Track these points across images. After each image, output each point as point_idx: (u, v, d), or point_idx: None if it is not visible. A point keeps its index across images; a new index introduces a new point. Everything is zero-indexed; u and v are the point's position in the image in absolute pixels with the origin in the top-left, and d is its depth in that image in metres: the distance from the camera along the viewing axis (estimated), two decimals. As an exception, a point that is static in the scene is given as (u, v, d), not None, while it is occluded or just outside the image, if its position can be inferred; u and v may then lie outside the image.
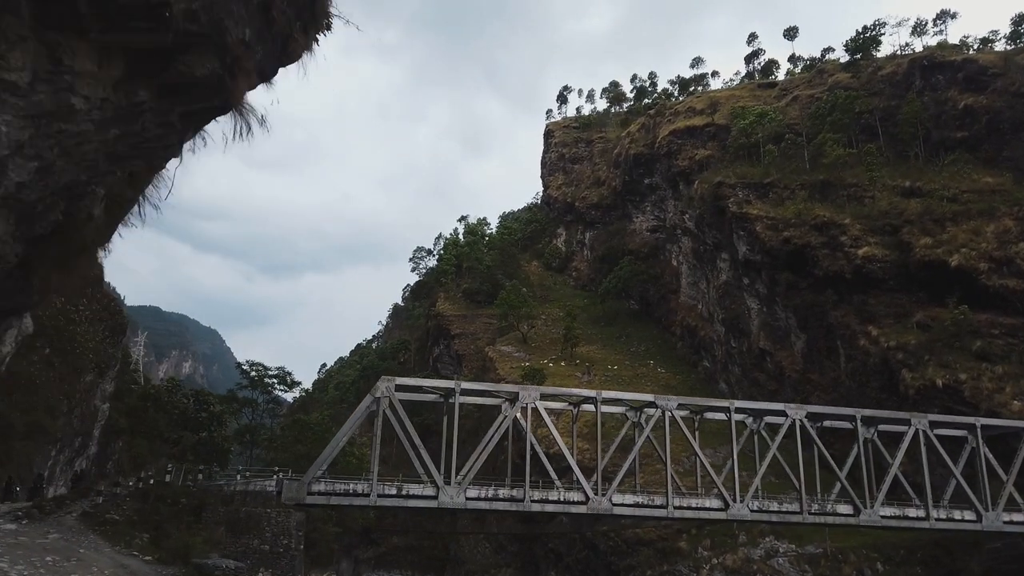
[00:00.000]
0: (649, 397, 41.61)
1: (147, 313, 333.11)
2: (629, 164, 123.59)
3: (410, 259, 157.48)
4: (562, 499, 36.31)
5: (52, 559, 19.45)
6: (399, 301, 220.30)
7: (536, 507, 35.62)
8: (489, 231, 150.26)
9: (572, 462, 37.40)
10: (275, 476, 34.52)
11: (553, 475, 36.57)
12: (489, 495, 35.82)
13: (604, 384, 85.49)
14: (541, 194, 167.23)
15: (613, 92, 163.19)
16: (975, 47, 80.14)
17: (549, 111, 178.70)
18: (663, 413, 39.27)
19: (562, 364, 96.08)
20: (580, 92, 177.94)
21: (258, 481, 33.61)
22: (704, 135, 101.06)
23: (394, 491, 33.92)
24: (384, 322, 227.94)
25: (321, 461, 33.15)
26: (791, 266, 70.15)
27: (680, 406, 41.14)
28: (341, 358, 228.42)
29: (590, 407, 40.52)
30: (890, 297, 60.30)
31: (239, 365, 61.21)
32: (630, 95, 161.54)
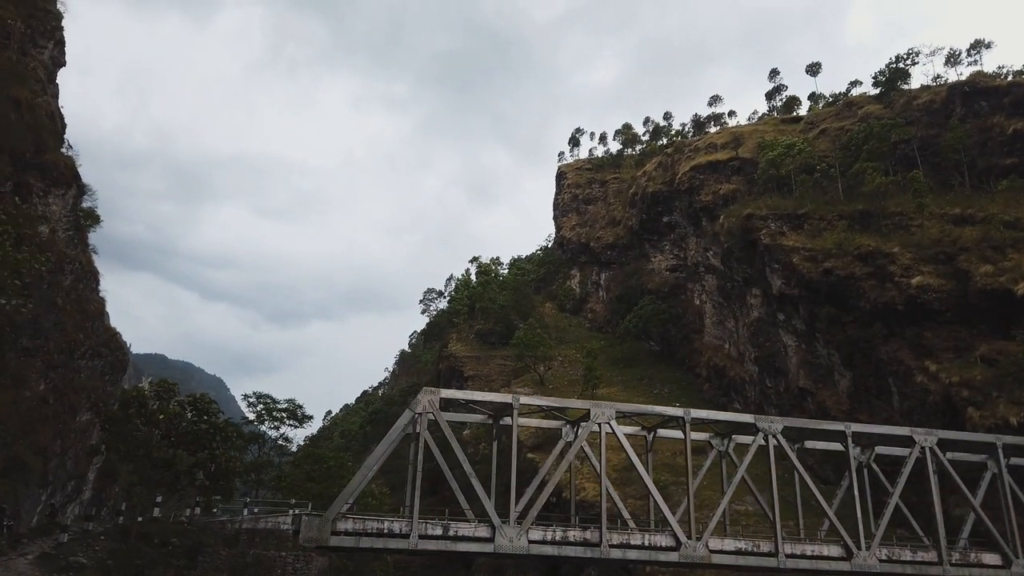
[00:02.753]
0: (748, 418, 36.16)
1: (153, 361, 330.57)
2: (647, 202, 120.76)
3: (420, 301, 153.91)
4: (647, 544, 30.90)
5: None
6: (406, 347, 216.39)
7: (616, 554, 30.26)
8: (502, 272, 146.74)
9: (658, 498, 32.13)
10: (291, 512, 29.03)
11: (626, 514, 31.70)
12: (557, 538, 30.20)
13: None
14: (553, 236, 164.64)
15: (626, 134, 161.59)
16: (1012, 76, 77.55)
17: (561, 153, 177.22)
18: (765, 438, 34.02)
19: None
20: (592, 135, 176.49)
21: (269, 518, 28.15)
22: (728, 169, 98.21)
23: (439, 531, 28.84)
24: (391, 369, 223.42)
25: (348, 494, 28.13)
26: (832, 299, 66.03)
27: (786, 429, 35.35)
28: (347, 405, 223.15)
29: (669, 433, 35.53)
30: (948, 330, 56.00)
31: (245, 396, 56.48)
32: (643, 137, 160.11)
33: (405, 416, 29.60)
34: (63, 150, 67.79)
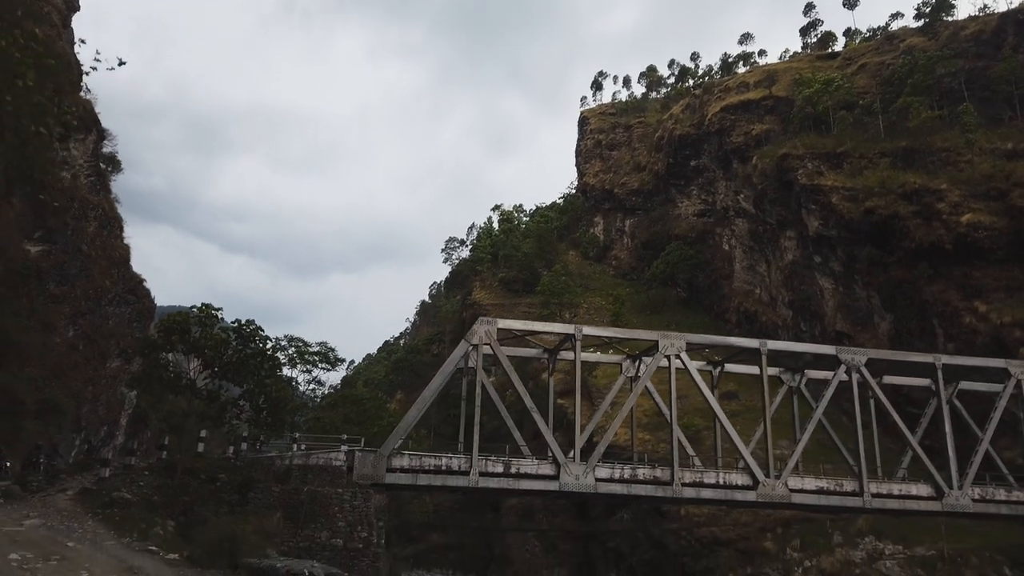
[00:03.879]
0: (829, 349, 34.18)
1: (170, 313, 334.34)
2: (673, 146, 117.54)
3: (442, 250, 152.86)
4: (723, 483, 29.38)
5: (20, 557, 12.97)
6: (426, 298, 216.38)
7: (689, 492, 28.85)
8: (524, 220, 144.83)
9: (732, 432, 30.69)
10: (342, 448, 27.44)
11: (691, 450, 30.47)
12: (626, 475, 28.69)
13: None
14: (576, 183, 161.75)
15: (651, 77, 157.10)
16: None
17: (583, 98, 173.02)
18: (848, 372, 32.04)
19: (610, 352, 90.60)
20: (615, 79, 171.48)
21: (320, 454, 26.39)
22: (761, 109, 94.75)
23: (500, 468, 27.56)
24: (411, 319, 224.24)
25: (403, 429, 27.10)
26: (874, 240, 63.72)
27: (870, 361, 33.37)
28: (369, 355, 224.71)
29: (737, 368, 33.75)
30: (999, 269, 53.76)
31: (276, 340, 55.28)
32: (668, 80, 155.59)
33: (460, 348, 28.30)
34: (81, 94, 66.26)
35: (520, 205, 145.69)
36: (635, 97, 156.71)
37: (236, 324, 25.12)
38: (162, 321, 23.27)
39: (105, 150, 68.50)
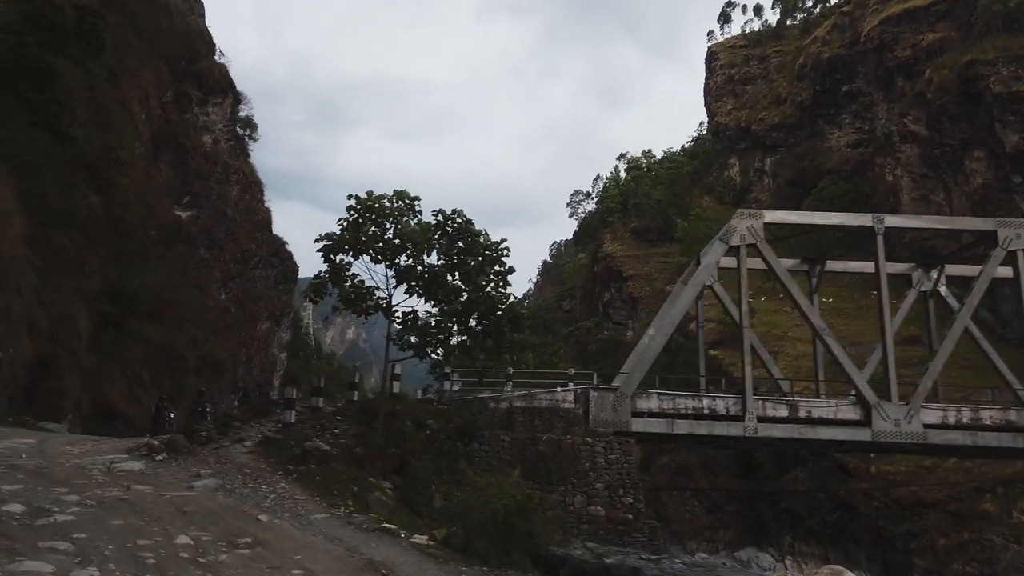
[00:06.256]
0: (987, 223, 27.58)
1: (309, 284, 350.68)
2: (820, 72, 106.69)
3: (567, 204, 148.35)
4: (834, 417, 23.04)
5: (191, 540, 8.35)
6: (547, 258, 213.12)
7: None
8: (654, 166, 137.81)
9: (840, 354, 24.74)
10: (570, 385, 22.55)
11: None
12: (963, 420, 22.52)
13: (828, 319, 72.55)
14: (706, 125, 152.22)
15: (787, 1, 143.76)
16: None
17: (710, 32, 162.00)
18: (1012, 258, 24.91)
19: (762, 299, 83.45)
20: (744, 8, 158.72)
21: (544, 394, 21.60)
22: (931, 15, 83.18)
23: (784, 411, 22.44)
24: (534, 280, 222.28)
25: (646, 360, 22.71)
26: (1096, 150, 53.59)
27: None
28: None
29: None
30: None
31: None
32: (806, 3, 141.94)
33: (714, 252, 23.22)
34: (215, 58, 66.41)
35: (649, 150, 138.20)
36: (769, 25, 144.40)
37: (438, 215, 19.01)
38: (358, 201, 18.23)
39: (241, 114, 68.75)
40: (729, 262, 27.52)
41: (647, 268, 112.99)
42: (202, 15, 76.59)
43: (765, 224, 24.04)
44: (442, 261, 18.79)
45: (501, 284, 18.87)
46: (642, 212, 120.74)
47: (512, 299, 19.48)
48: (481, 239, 18.30)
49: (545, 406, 20.96)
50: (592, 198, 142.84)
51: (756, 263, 27.46)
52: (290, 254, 69.28)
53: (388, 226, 18.73)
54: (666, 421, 21.86)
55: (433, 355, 18.39)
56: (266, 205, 69.51)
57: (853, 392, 23.29)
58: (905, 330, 37.10)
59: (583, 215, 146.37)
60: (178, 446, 13.76)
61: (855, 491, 50.05)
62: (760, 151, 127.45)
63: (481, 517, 12.05)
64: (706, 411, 21.74)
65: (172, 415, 22.65)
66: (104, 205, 29.65)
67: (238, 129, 67.53)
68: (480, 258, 18.41)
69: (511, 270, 17.88)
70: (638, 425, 21.64)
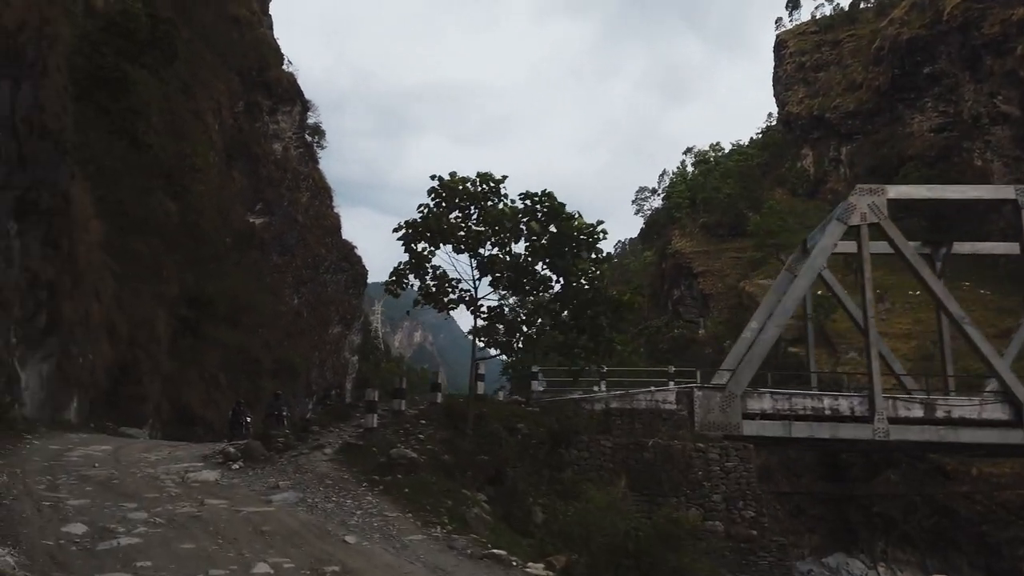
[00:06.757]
0: None
1: (377, 289, 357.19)
2: (899, 54, 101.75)
3: (633, 200, 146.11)
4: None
5: (271, 568, 7.30)
6: (613, 258, 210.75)
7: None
8: (721, 160, 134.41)
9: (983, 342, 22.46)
10: (669, 384, 20.88)
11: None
12: None
13: (904, 314, 68.90)
14: (776, 115, 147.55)
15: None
16: None
17: (778, 20, 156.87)
18: None
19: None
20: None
21: (641, 394, 20.47)
22: (1022, -12, 78.09)
23: (918, 411, 20.29)
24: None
25: (756, 355, 21.03)
26: None
27: None
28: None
29: None
30: None
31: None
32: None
33: (830, 233, 21.34)
34: (284, 66, 67.71)
35: (717, 143, 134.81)
36: (841, 9, 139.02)
37: (526, 198, 17.01)
38: (443, 183, 16.71)
39: (309, 121, 69.91)
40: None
41: (718, 264, 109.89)
42: (270, 27, 78.46)
43: (888, 201, 21.83)
44: (530, 248, 17.06)
45: (598, 273, 16.92)
46: (711, 207, 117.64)
47: (612, 292, 17.27)
48: (575, 222, 16.81)
49: (644, 407, 19.53)
50: (658, 194, 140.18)
51: (847, 246, 25.45)
52: (359, 258, 70.06)
53: (472, 211, 17.26)
54: (783, 423, 19.98)
55: (524, 353, 17.00)
56: (335, 210, 70.42)
57: (989, 389, 21.27)
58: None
59: (649, 212, 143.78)
60: (255, 453, 13.10)
61: (955, 494, 46.94)
62: (835, 140, 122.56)
63: (607, 542, 10.39)
64: (827, 411, 19.79)
65: (249, 419, 22.30)
66: (180, 212, 30.18)
67: (307, 136, 68.64)
68: (574, 244, 16.56)
69: (609, 257, 16.44)
70: (751, 428, 19.77)
